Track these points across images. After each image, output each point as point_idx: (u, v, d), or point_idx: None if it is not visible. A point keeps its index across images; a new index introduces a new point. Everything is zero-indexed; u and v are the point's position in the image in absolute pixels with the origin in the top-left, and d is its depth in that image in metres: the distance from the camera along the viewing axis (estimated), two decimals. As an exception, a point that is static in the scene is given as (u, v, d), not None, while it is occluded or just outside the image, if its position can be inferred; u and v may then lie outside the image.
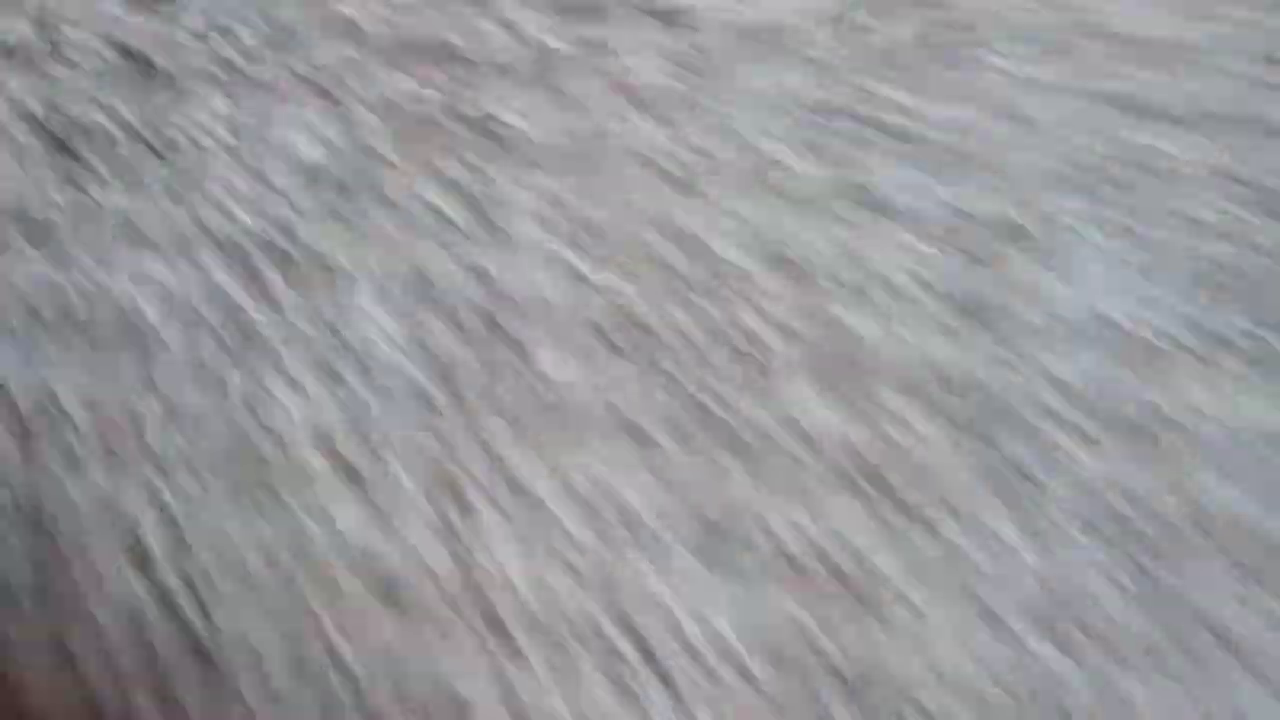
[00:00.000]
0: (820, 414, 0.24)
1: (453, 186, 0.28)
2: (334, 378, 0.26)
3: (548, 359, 0.26)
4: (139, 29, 0.30)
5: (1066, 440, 0.24)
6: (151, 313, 0.26)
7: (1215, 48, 0.29)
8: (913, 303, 0.26)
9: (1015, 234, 0.27)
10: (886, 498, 0.24)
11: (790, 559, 0.23)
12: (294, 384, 0.26)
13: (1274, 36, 0.29)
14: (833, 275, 0.26)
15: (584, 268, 0.27)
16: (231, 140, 0.28)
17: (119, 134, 0.28)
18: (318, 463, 0.25)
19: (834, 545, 0.23)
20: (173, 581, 0.24)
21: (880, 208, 0.27)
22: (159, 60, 0.29)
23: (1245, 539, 0.23)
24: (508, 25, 0.29)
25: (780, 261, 0.26)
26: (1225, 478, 0.23)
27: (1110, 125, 0.28)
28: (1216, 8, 0.30)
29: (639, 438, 0.25)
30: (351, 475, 0.25)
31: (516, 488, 0.24)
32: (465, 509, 0.24)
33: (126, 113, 0.28)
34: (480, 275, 0.27)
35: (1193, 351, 0.25)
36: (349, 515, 0.25)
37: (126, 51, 0.29)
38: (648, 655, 0.23)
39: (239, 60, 0.29)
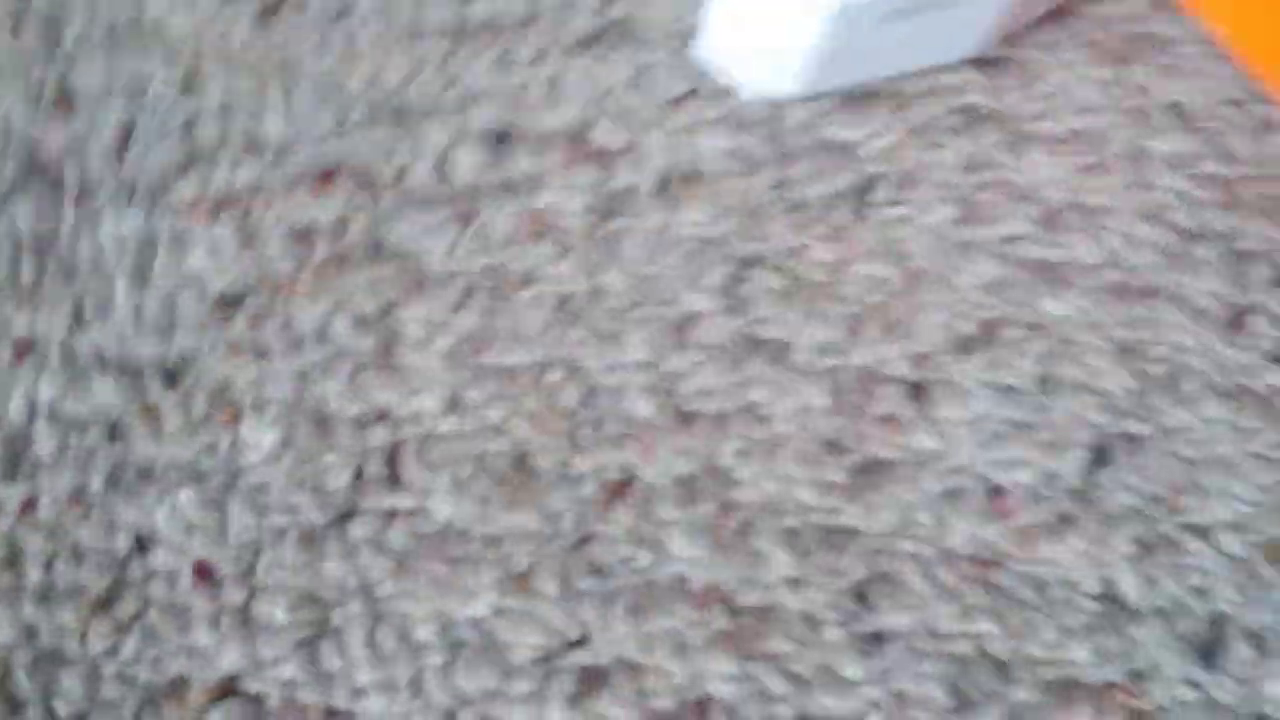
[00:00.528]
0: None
1: (361, 321, 0.27)
2: (223, 513, 0.25)
3: (441, 503, 0.26)
4: (48, 138, 0.29)
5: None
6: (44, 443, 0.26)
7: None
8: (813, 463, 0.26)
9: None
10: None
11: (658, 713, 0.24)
12: (182, 519, 0.25)
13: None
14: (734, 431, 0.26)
15: (485, 409, 0.27)
16: (140, 264, 0.28)
17: (22, 252, 0.28)
18: (200, 605, 0.25)
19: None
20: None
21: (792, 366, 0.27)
22: (68, 174, 0.29)
23: None
24: (435, 156, 0.29)
25: (684, 415, 0.27)
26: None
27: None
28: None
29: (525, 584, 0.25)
30: (233, 614, 0.25)
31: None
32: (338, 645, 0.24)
33: (33, 230, 0.28)
34: (382, 415, 0.27)
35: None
36: (230, 651, 0.24)
37: (32, 162, 0.29)
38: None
39: (153, 179, 0.29)
